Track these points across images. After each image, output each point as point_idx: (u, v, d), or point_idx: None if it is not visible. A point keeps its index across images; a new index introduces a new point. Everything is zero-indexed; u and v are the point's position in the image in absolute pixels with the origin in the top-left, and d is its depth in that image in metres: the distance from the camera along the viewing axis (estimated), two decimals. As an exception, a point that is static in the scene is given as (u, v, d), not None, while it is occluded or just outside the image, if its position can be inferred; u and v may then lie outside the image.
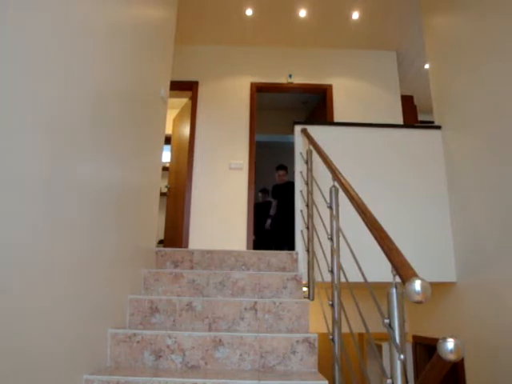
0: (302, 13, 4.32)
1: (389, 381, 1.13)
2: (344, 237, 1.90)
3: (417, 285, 0.96)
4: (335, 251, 2.03)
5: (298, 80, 4.75)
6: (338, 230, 2.03)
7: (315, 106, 5.45)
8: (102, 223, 1.83)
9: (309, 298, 2.52)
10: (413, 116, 5.19)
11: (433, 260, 3.01)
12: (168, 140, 4.58)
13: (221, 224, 4.29)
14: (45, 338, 1.33)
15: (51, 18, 1.34)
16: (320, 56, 4.89)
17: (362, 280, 1.59)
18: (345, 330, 1.85)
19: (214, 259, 2.80)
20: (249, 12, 4.31)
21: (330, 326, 1.99)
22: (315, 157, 2.65)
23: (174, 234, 4.44)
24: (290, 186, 4.57)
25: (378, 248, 1.36)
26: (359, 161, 3.20)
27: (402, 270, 1.10)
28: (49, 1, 1.33)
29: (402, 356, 1.09)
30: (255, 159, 4.53)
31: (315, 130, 2.98)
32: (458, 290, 3.01)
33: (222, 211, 4.32)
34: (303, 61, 4.85)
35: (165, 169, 4.72)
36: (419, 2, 3.89)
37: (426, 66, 4.48)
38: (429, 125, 3.67)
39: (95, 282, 1.76)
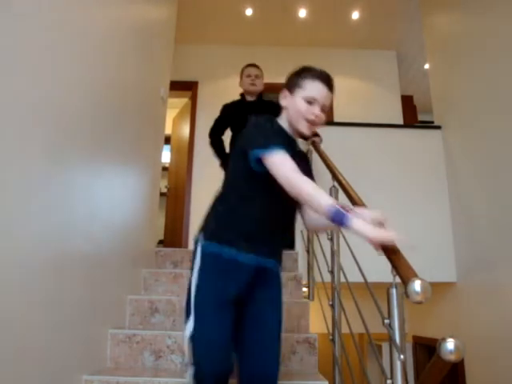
0: (302, 13, 4.32)
1: (389, 381, 1.13)
2: (344, 237, 1.89)
3: (417, 285, 0.96)
4: (335, 251, 2.02)
5: (297, 80, 4.74)
6: (338, 229, 2.03)
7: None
8: (101, 224, 1.83)
9: (309, 298, 2.52)
10: (413, 116, 5.18)
11: (433, 260, 3.01)
12: (168, 140, 4.58)
13: (221, 224, 4.28)
14: (44, 338, 1.33)
15: (51, 18, 1.34)
16: (320, 56, 4.88)
17: (362, 280, 1.59)
18: (345, 330, 1.85)
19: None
20: (249, 12, 4.31)
21: (330, 326, 1.99)
22: (315, 157, 2.65)
23: (174, 234, 4.43)
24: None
25: (378, 248, 1.36)
26: (359, 161, 3.20)
27: (402, 270, 1.10)
28: (49, 1, 1.33)
29: (402, 356, 1.09)
30: (255, 159, 4.51)
31: (315, 130, 2.97)
32: (458, 290, 3.01)
33: (221, 211, 4.31)
34: (303, 61, 4.81)
35: (164, 169, 4.71)
36: (419, 1, 3.88)
37: (426, 66, 4.48)
38: (429, 125, 3.67)
39: (95, 283, 1.76)
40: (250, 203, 1.27)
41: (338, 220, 1.07)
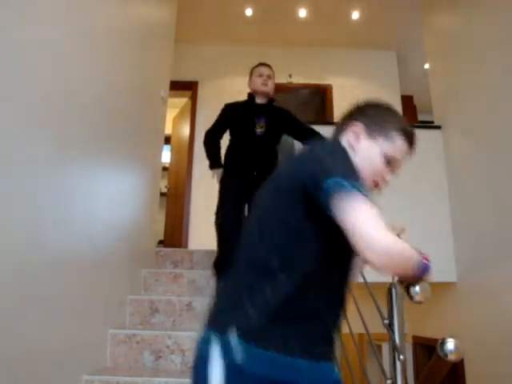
0: (302, 12, 4.32)
1: (389, 381, 1.13)
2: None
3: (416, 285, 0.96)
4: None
5: (297, 80, 4.74)
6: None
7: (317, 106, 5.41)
8: (101, 223, 1.83)
9: (309, 298, 2.51)
10: (413, 116, 5.18)
11: (433, 260, 3.00)
12: (168, 140, 4.57)
13: (221, 224, 4.28)
14: (45, 338, 1.33)
15: (51, 18, 1.34)
16: (320, 56, 4.89)
17: (361, 280, 1.58)
18: (345, 330, 1.85)
19: (213, 259, 2.80)
20: (249, 12, 4.31)
21: (330, 326, 1.98)
22: (315, 157, 2.64)
23: (174, 234, 4.43)
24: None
25: (378, 248, 1.35)
26: (359, 161, 3.20)
27: (402, 270, 1.09)
28: (51, 2, 1.33)
29: (401, 356, 1.09)
30: (255, 159, 4.51)
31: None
32: (458, 290, 3.01)
33: (221, 211, 4.31)
34: (303, 61, 4.84)
35: (165, 169, 4.71)
36: (419, 1, 3.88)
37: (426, 66, 4.48)
38: (429, 125, 3.67)
39: (95, 282, 1.76)
40: (325, 292, 0.87)
41: (423, 274, 0.91)
